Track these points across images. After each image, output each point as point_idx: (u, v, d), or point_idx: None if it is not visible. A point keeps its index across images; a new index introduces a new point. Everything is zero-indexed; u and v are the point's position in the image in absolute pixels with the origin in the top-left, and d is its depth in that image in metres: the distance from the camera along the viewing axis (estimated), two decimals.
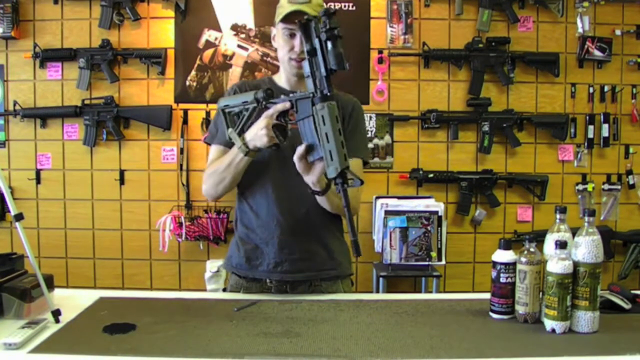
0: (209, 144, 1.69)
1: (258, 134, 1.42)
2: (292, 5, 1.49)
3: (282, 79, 1.65)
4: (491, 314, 1.36)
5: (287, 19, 1.50)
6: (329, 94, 1.32)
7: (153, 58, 3.02)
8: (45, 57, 3.03)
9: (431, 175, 3.06)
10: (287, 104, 1.39)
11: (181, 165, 3.08)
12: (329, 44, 1.28)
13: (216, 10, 3.04)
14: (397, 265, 2.80)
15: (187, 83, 3.08)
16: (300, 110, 1.37)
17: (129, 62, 3.07)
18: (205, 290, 2.91)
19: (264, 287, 1.61)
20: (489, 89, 3.09)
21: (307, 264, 1.59)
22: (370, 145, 3.08)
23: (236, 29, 3.05)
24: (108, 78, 3.01)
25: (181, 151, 3.07)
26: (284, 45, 1.55)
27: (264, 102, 1.44)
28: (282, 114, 1.41)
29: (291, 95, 1.42)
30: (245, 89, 1.61)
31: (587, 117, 3.09)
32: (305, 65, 1.34)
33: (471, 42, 3.03)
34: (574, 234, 1.30)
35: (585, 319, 1.25)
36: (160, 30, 3.07)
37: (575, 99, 3.10)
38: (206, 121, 3.04)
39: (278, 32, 1.57)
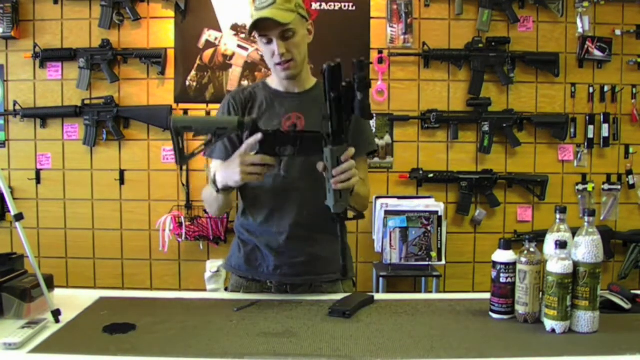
0: (210, 158, 1.63)
1: (230, 174, 1.38)
2: (258, 13, 1.46)
3: (275, 81, 1.63)
4: (491, 314, 1.36)
5: (256, 26, 1.48)
6: (343, 137, 1.31)
7: (153, 58, 3.02)
8: (45, 57, 3.03)
9: (431, 175, 3.06)
10: (259, 136, 1.33)
11: (181, 165, 3.08)
12: (359, 95, 1.25)
13: (216, 10, 3.04)
14: (397, 265, 2.80)
15: (187, 83, 3.08)
16: (306, 147, 1.34)
17: (129, 62, 3.07)
18: (205, 290, 2.92)
19: (264, 287, 1.61)
20: (489, 89, 3.09)
21: (308, 267, 1.59)
22: None
23: (236, 29, 3.05)
24: (108, 78, 3.01)
25: None
26: (266, 52, 1.54)
27: (249, 130, 1.34)
28: (271, 147, 1.34)
29: (292, 129, 1.37)
30: (240, 99, 1.60)
31: (587, 117, 3.09)
32: (327, 107, 1.29)
33: (471, 42, 3.04)
34: (574, 234, 1.30)
35: (585, 319, 1.25)
36: (160, 30, 3.07)
37: (575, 99, 3.10)
38: None
39: (257, 41, 1.55)
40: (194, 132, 1.38)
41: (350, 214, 1.37)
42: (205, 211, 3.02)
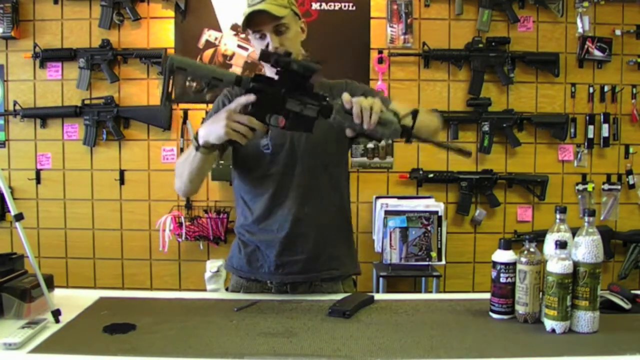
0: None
1: (214, 127, 1.33)
2: (250, 8, 1.47)
3: None
4: (491, 314, 1.36)
5: (249, 22, 1.48)
6: (327, 100, 1.31)
7: (153, 58, 3.02)
8: (45, 57, 3.03)
9: (431, 175, 3.06)
10: (252, 97, 1.32)
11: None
12: (294, 64, 1.28)
13: (216, 10, 3.05)
14: (397, 265, 2.80)
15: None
16: (295, 123, 1.33)
17: (129, 62, 3.07)
18: (205, 290, 2.91)
19: (264, 288, 1.61)
20: (489, 89, 3.09)
21: (309, 265, 1.58)
22: (370, 145, 3.09)
23: (236, 29, 3.06)
24: (108, 78, 3.02)
25: (181, 151, 3.07)
26: (258, 49, 1.53)
27: (249, 85, 1.32)
28: (263, 113, 1.33)
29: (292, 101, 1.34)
30: (236, 93, 1.59)
31: (587, 117, 3.09)
32: (293, 103, 1.31)
33: (471, 42, 3.04)
34: (574, 234, 1.30)
35: (585, 319, 1.25)
36: (160, 30, 3.07)
37: (575, 99, 3.10)
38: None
39: (251, 39, 1.56)
40: (189, 75, 1.36)
41: (408, 122, 1.32)
42: (205, 211, 3.03)
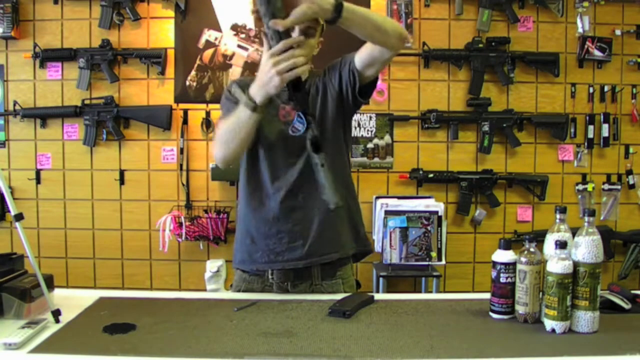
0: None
1: (266, 79, 1.34)
2: None
3: None
4: (491, 314, 1.36)
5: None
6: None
7: (153, 58, 3.03)
8: (45, 57, 3.03)
9: (431, 175, 3.06)
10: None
11: (181, 165, 3.08)
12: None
13: (216, 10, 3.04)
14: (397, 265, 2.80)
15: (187, 83, 3.08)
16: (297, 125, 1.40)
17: (129, 62, 3.07)
18: (205, 290, 2.92)
19: (265, 284, 1.62)
20: (489, 89, 3.09)
21: (308, 250, 1.59)
22: (370, 145, 3.09)
23: (236, 29, 3.06)
24: (108, 78, 3.02)
25: (181, 151, 3.07)
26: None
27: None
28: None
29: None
30: (245, 84, 1.60)
31: (587, 117, 3.09)
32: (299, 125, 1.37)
33: (471, 42, 3.04)
34: (574, 234, 1.30)
35: (585, 319, 1.25)
36: (160, 30, 3.07)
37: (575, 99, 3.10)
38: (206, 121, 3.04)
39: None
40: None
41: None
42: (205, 211, 3.03)
